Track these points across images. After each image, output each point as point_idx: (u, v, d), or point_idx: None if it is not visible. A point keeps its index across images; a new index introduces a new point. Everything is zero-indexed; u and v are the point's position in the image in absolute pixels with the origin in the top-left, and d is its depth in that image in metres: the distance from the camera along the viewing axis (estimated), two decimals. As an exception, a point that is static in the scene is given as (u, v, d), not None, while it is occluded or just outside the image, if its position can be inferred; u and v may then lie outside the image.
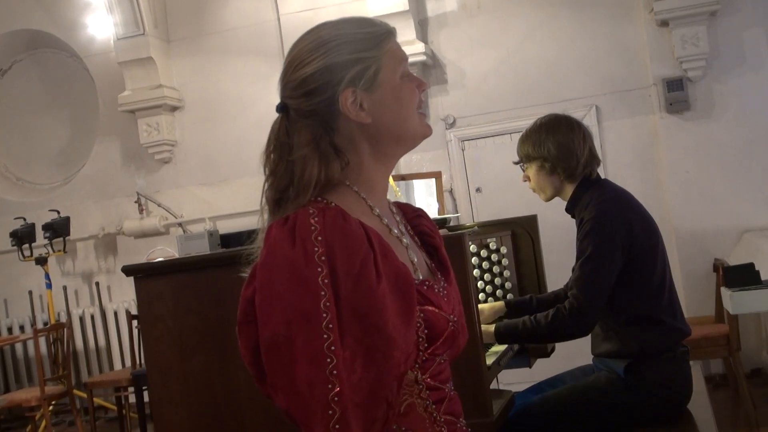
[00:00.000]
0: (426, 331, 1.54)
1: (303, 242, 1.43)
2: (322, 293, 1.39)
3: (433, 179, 4.46)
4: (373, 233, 1.49)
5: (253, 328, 1.46)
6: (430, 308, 1.56)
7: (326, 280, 1.40)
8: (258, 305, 1.45)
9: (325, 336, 1.38)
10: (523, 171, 3.39)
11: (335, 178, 1.57)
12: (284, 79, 1.62)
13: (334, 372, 1.37)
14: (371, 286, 1.42)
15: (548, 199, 3.38)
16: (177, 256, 4.84)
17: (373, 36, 1.61)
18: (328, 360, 1.37)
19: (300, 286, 1.40)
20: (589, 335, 3.21)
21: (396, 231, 1.64)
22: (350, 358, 1.39)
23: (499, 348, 3.13)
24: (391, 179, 3.71)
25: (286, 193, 1.56)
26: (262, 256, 1.46)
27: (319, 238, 1.43)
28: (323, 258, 1.41)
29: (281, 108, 1.62)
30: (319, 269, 1.40)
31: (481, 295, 3.51)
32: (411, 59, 6.40)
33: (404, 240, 1.64)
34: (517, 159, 3.41)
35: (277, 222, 1.49)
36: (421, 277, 1.62)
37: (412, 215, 1.82)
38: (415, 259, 1.64)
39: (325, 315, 1.38)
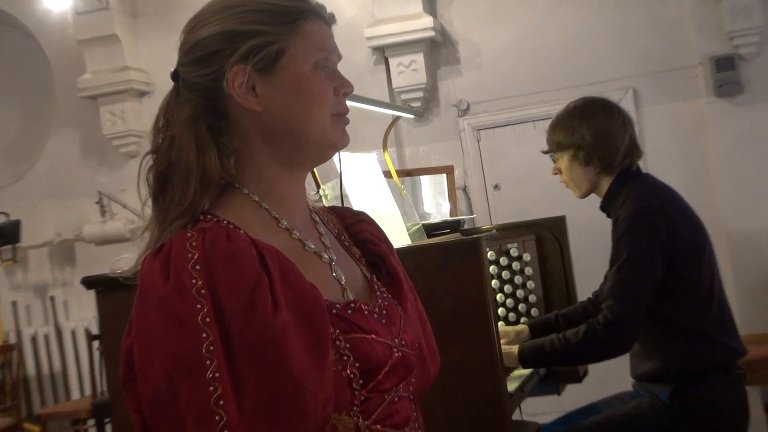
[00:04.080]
0: (357, 364, 1.49)
1: (178, 274, 1.39)
2: (204, 335, 1.35)
3: (444, 175, 4.45)
4: (269, 252, 1.45)
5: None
6: (359, 335, 1.52)
7: (209, 318, 1.36)
8: (136, 357, 1.41)
9: (212, 388, 1.34)
10: (554, 162, 3.38)
11: (213, 170, 1.53)
12: (181, 40, 1.62)
13: None
14: (266, 319, 1.38)
15: (583, 195, 3.38)
16: (128, 269, 4.80)
17: (288, 10, 1.57)
18: (217, 418, 1.33)
19: (176, 327, 1.37)
20: (627, 355, 3.19)
21: (313, 245, 1.61)
22: (250, 412, 1.34)
23: (523, 372, 3.12)
24: (395, 173, 3.69)
25: (168, 183, 1.54)
26: (136, 297, 1.43)
27: (197, 267, 1.40)
28: (203, 291, 1.38)
29: (173, 75, 1.62)
30: (199, 306, 1.37)
31: (501, 310, 3.49)
32: (417, 35, 6.41)
33: (325, 255, 1.62)
34: (546, 148, 3.40)
35: (150, 253, 1.47)
36: (351, 298, 1.59)
37: (351, 221, 1.81)
38: (343, 278, 1.61)
39: (209, 362, 1.34)
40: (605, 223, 3.36)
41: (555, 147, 3.36)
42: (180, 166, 1.53)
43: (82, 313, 7.64)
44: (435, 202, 4.35)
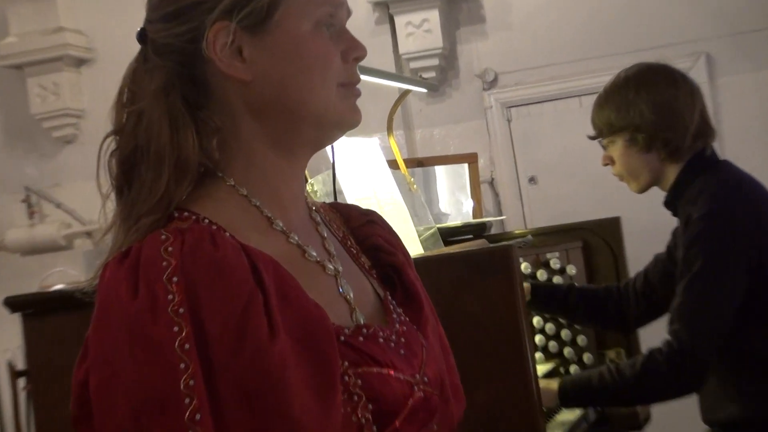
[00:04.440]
0: (370, 405, 1.48)
1: (149, 287, 1.38)
2: (182, 365, 1.34)
3: (465, 165, 4.47)
4: (264, 261, 1.45)
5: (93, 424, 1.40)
6: (373, 369, 1.51)
7: (188, 345, 1.34)
8: (93, 390, 1.39)
9: None
10: (604, 149, 3.37)
11: (193, 159, 1.53)
12: None
13: None
14: (261, 347, 1.37)
15: (642, 189, 3.38)
16: (85, 281, 4.80)
17: None
18: None
19: (147, 355, 1.35)
20: (700, 394, 3.18)
21: (315, 253, 1.62)
22: None
23: (568, 416, 3.12)
24: (402, 164, 3.69)
25: (133, 171, 1.54)
26: (94, 314, 1.42)
27: (175, 278, 1.38)
28: (181, 310, 1.36)
29: (140, 36, 1.64)
30: (176, 328, 1.35)
31: (539, 338, 3.49)
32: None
33: (329, 265, 1.62)
34: (593, 132, 3.39)
35: (113, 258, 1.45)
36: (361, 321, 1.59)
37: (358, 222, 1.83)
38: (351, 294, 1.62)
39: (188, 400, 1.33)
40: (673, 225, 3.35)
41: (605, 130, 3.35)
42: (149, 149, 1.52)
43: (4, 342, 7.65)
44: (454, 200, 4.36)
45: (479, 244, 3.28)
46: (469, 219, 4.14)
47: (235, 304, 1.37)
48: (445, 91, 6.69)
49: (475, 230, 3.63)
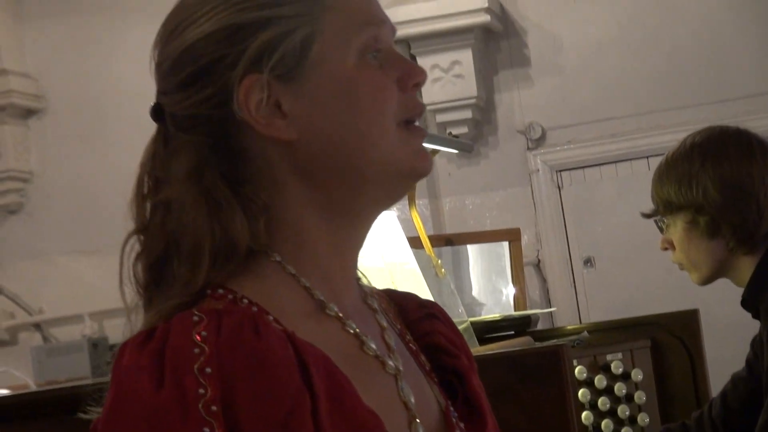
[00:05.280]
0: None
1: (178, 379, 1.39)
2: None
3: (505, 243, 4.47)
4: (315, 357, 1.46)
5: None
6: None
7: None
8: None
9: None
10: (661, 231, 3.36)
11: (242, 240, 1.53)
12: (157, 57, 1.63)
13: None
14: None
15: (705, 281, 3.37)
16: (32, 385, 4.79)
17: None
18: None
19: None
20: None
21: (375, 345, 1.61)
22: None
23: None
24: (427, 241, 3.67)
25: (165, 270, 1.54)
26: (106, 405, 1.43)
27: (208, 370, 1.39)
28: (213, 408, 1.38)
29: (155, 112, 1.62)
30: (207, 429, 1.37)
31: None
32: (463, 21, 6.43)
33: (390, 362, 1.62)
34: (649, 210, 3.38)
35: (133, 339, 1.46)
36: None
37: (416, 315, 1.81)
38: (412, 399, 1.61)
39: None
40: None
41: (663, 208, 3.33)
42: (184, 242, 1.52)
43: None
44: (491, 287, 4.37)
45: (523, 342, 3.28)
46: (510, 311, 4.15)
47: (279, 408, 1.39)
48: (481, 150, 6.72)
49: (518, 325, 3.64)
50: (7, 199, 7.48)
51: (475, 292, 4.27)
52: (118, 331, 6.66)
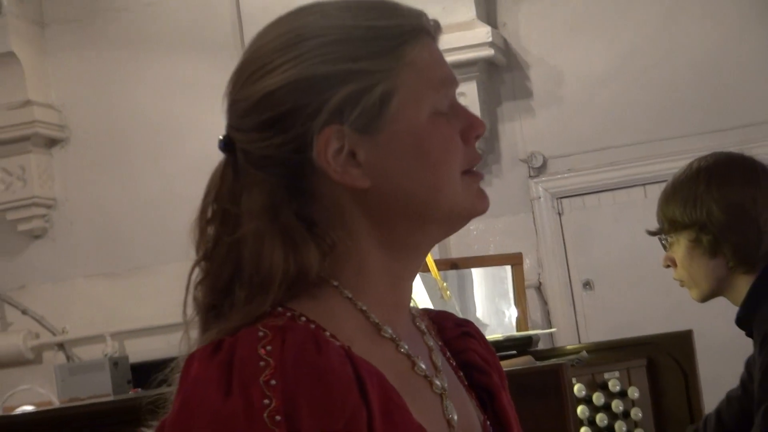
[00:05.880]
0: None
1: (245, 389, 1.44)
2: None
3: (508, 267, 4.48)
4: (370, 373, 1.50)
5: None
6: None
7: None
8: None
9: None
10: (665, 249, 3.39)
11: (312, 271, 1.56)
12: (232, 95, 1.64)
13: None
14: None
15: (704, 298, 3.40)
16: (56, 402, 4.81)
17: (387, 32, 1.61)
18: None
19: None
20: None
21: (424, 365, 1.66)
22: None
23: None
24: (433, 266, 3.71)
25: (228, 295, 1.57)
26: (174, 411, 1.48)
27: (273, 381, 1.44)
28: (278, 418, 1.43)
29: (225, 145, 1.64)
30: None
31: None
32: (468, 54, 6.46)
33: (437, 382, 1.67)
34: (654, 228, 3.41)
35: (202, 350, 1.50)
36: None
37: (452, 333, 1.85)
38: (455, 416, 1.66)
39: None
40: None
41: (667, 226, 3.36)
42: (257, 272, 1.56)
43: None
44: (494, 309, 4.38)
45: (524, 362, 3.30)
46: (513, 331, 4.16)
47: (337, 419, 1.44)
48: (485, 178, 6.73)
49: (520, 345, 3.64)
50: (31, 224, 7.50)
51: (479, 314, 4.28)
52: (137, 351, 6.70)
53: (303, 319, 1.55)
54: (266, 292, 1.53)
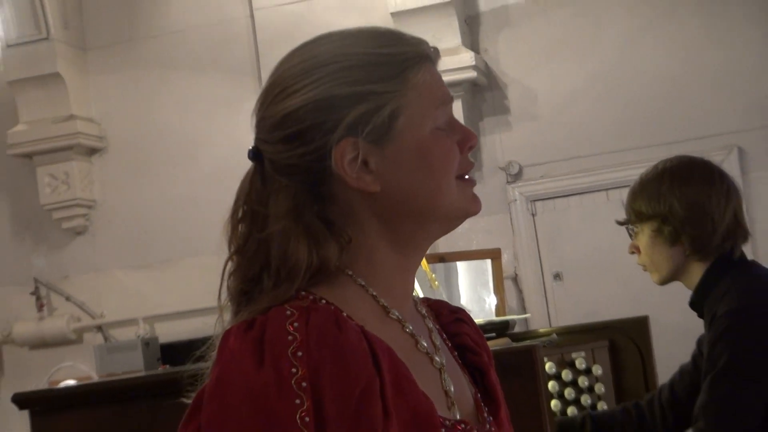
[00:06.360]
0: None
1: (275, 360, 1.48)
2: None
3: (488, 260, 4.49)
4: (382, 348, 1.55)
5: None
6: None
7: (308, 418, 1.45)
8: None
9: None
10: (631, 237, 3.42)
11: (332, 263, 1.63)
12: (260, 112, 1.70)
13: None
14: (375, 430, 1.48)
15: (664, 281, 3.42)
16: (95, 377, 4.83)
17: (394, 59, 1.67)
18: None
19: (269, 426, 1.45)
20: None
21: (426, 344, 1.71)
22: None
23: None
24: (424, 261, 3.73)
25: (258, 283, 1.63)
26: (212, 380, 1.52)
27: (300, 353, 1.48)
28: (304, 384, 1.46)
29: (254, 155, 1.70)
30: (298, 401, 1.45)
31: (564, 440, 3.51)
32: (454, 76, 6.44)
33: (436, 358, 1.71)
34: (622, 219, 3.44)
35: (237, 327, 1.54)
36: (457, 416, 1.67)
37: (447, 319, 1.88)
38: (452, 388, 1.70)
39: None
40: (702, 327, 3.38)
41: (634, 218, 3.40)
42: (284, 265, 1.61)
43: (10, 440, 7.65)
44: (476, 297, 4.38)
45: (502, 343, 3.31)
46: (492, 317, 4.16)
47: (354, 387, 1.47)
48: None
49: (498, 328, 3.65)
50: (74, 222, 7.51)
51: (463, 301, 4.29)
52: (166, 332, 6.72)
53: (323, 301, 1.60)
54: (292, 280, 1.59)
